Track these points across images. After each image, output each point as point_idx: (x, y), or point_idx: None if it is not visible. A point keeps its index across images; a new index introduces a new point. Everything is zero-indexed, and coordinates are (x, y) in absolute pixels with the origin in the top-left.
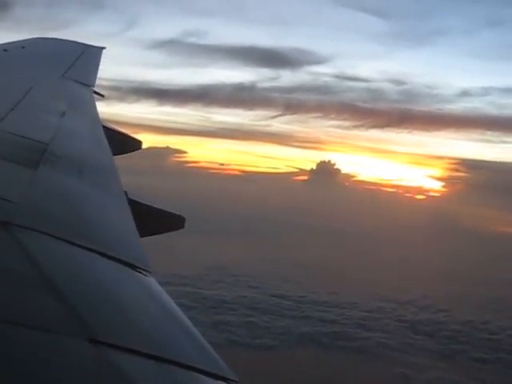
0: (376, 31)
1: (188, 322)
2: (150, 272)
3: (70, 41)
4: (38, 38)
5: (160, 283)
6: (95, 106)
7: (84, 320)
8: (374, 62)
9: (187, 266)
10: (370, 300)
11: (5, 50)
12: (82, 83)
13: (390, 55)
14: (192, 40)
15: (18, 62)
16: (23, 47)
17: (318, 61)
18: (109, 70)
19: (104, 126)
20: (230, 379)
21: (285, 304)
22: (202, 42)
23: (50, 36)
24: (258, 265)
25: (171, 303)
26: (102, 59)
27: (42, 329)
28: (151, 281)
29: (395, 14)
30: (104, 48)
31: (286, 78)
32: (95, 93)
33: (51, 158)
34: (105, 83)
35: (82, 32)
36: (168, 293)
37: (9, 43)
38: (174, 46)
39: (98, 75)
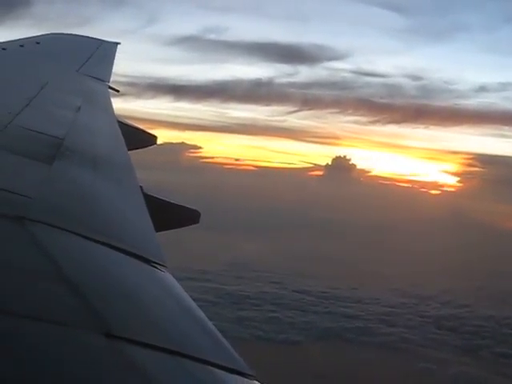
0: (395, 27)
1: (204, 317)
2: (165, 267)
3: (84, 36)
4: (53, 34)
5: (184, 279)
6: (110, 101)
7: (100, 314)
8: (391, 58)
9: (209, 261)
10: (391, 295)
11: (20, 46)
12: (97, 78)
13: (408, 51)
14: (212, 36)
15: (34, 57)
16: (38, 43)
17: (337, 56)
18: (127, 66)
19: (119, 121)
20: (246, 374)
21: (307, 299)
22: (222, 38)
23: (69, 32)
24: (277, 260)
25: (187, 298)
26: (121, 55)
27: (58, 323)
28: (167, 275)
29: (415, 10)
30: (119, 43)
31: (304, 73)
32: (110, 88)
33: (66, 153)
34: (122, 79)
35: (102, 28)
36: (192, 288)
37: (24, 39)
38: (193, 42)
39: (116, 71)
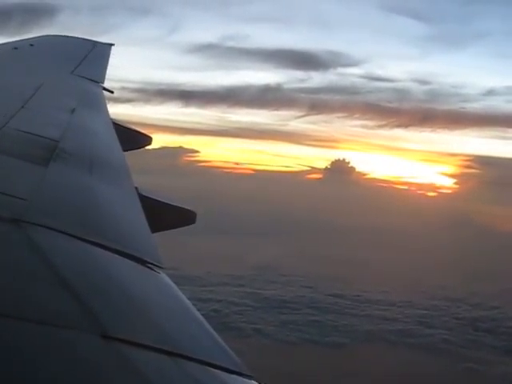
0: (415, 34)
1: (200, 318)
2: (161, 268)
3: (78, 38)
4: (47, 36)
5: (219, 284)
6: (105, 103)
7: (96, 316)
8: (404, 64)
9: (236, 266)
10: (421, 298)
11: (15, 48)
12: (91, 80)
13: (423, 57)
14: (231, 44)
15: (28, 59)
16: (32, 45)
17: (351, 63)
18: (141, 73)
19: (114, 123)
20: (244, 374)
21: (343, 303)
22: (241, 45)
23: (92, 39)
24: (301, 264)
25: (183, 298)
26: (139, 62)
27: (54, 325)
28: (163, 276)
29: (437, 18)
30: (113, 45)
31: (316, 79)
32: (104, 89)
33: (61, 154)
34: (133, 85)
35: (125, 37)
36: (230, 293)
37: (18, 41)
38: (211, 50)
39: (127, 77)
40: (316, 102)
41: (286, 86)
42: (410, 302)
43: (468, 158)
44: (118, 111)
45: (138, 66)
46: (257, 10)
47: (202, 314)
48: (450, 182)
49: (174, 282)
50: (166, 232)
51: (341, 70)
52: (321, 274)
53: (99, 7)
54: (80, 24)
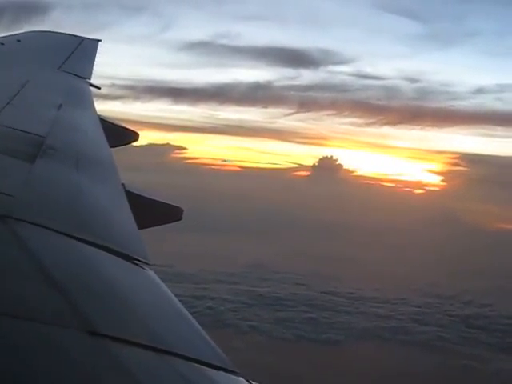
0: (408, 33)
1: (188, 315)
2: (148, 264)
3: (65, 34)
4: (34, 31)
5: (213, 281)
6: (92, 99)
7: (83, 312)
8: (395, 62)
9: (228, 263)
10: (414, 295)
11: (1, 44)
12: (78, 76)
13: (414, 55)
14: (223, 42)
15: (14, 55)
16: (19, 40)
17: (342, 61)
18: (132, 70)
19: (101, 119)
20: (231, 370)
21: (337, 300)
22: (233, 43)
23: (84, 36)
24: (291, 261)
25: (171, 295)
26: (130, 60)
27: (42, 322)
28: (150, 273)
29: (430, 17)
30: (100, 40)
31: (306, 77)
32: (91, 85)
33: (48, 151)
34: (123, 82)
35: (117, 34)
36: (224, 291)
37: (4, 36)
38: (203, 48)
39: (117, 74)
40: (305, 100)
41: (276, 84)
42: (404, 299)
43: (455, 155)
44: (107, 108)
45: (129, 63)
46: (249, 8)
47: (197, 312)
48: (437, 180)
49: (168, 280)
50: (155, 229)
51: (331, 67)
52: (313, 271)
53: (92, 5)
54: (72, 21)
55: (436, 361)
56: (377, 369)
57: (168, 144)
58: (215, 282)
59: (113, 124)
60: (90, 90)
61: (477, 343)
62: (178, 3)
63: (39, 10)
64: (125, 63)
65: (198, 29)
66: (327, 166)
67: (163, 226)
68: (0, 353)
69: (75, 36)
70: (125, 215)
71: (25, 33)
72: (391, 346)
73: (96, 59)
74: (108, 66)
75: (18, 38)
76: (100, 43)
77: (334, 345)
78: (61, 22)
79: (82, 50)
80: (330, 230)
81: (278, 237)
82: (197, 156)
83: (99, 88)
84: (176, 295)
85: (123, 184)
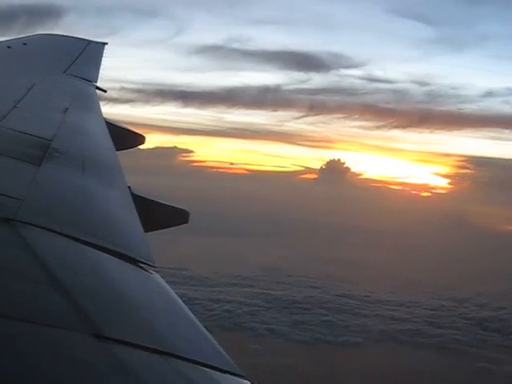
0: (419, 37)
1: (193, 318)
2: (154, 267)
3: (71, 37)
4: (40, 35)
5: (227, 285)
6: (98, 102)
7: (88, 315)
8: (406, 66)
9: (241, 266)
10: (429, 298)
11: (8, 47)
12: (84, 79)
13: (425, 59)
14: (235, 46)
15: (21, 58)
16: (25, 44)
17: (352, 65)
18: (142, 74)
19: (107, 122)
20: (236, 373)
21: (353, 303)
22: (245, 47)
23: (99, 40)
24: (304, 264)
25: (176, 298)
26: (142, 64)
27: (47, 324)
28: (155, 275)
29: (442, 21)
30: (106, 43)
31: (316, 80)
32: (97, 88)
33: (54, 154)
34: (133, 86)
35: (131, 38)
36: (240, 294)
37: (11, 40)
38: (215, 52)
39: (128, 78)
40: (315, 103)
41: (286, 87)
42: (418, 302)
43: (463, 158)
44: (116, 111)
45: (140, 67)
46: (261, 13)
47: (216, 315)
48: (444, 183)
49: (184, 283)
50: (166, 232)
51: (342, 71)
52: (326, 274)
53: (105, 9)
54: (86, 25)
55: (452, 363)
56: (395, 370)
57: (175, 147)
58: (230, 285)
59: (119, 127)
60: (96, 93)
61: (492, 346)
62: (192, 7)
63: (53, 14)
64: (136, 67)
65: (212, 33)
66: (335, 169)
67: (174, 228)
68: (6, 355)
69: (81, 39)
70: (131, 218)
71: (31, 36)
72: (408, 349)
73: (106, 63)
74: (119, 69)
75: (24, 41)
76: (112, 47)
77: (351, 347)
78: (74, 25)
79: (88, 53)
80: (339, 232)
81: (289, 239)
82: (204, 159)
83: (105, 91)
84: (193, 298)
85: (129, 187)
